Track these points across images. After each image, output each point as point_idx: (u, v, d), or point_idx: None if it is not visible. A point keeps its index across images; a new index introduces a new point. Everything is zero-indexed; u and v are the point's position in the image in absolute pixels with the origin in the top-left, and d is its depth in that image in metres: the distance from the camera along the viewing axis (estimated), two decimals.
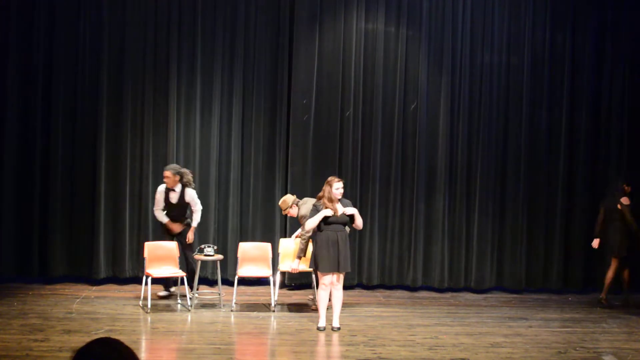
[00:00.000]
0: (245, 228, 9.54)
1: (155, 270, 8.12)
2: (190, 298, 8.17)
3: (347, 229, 7.39)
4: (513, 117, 9.87)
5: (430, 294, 9.58)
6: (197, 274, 8.35)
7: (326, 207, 7.19)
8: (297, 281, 9.33)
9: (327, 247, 7.17)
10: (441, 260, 9.74)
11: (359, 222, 7.32)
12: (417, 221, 9.69)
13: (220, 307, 8.16)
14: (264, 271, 8.39)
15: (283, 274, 8.76)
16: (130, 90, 9.42)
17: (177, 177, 8.42)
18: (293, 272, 8.09)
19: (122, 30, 9.42)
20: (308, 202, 8.05)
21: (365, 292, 9.55)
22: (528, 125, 9.87)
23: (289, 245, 8.54)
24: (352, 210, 7.24)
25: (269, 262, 8.48)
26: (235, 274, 8.43)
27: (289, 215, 8.47)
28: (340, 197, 7.26)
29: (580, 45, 9.97)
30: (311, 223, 7.23)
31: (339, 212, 7.22)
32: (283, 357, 6.72)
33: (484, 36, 9.84)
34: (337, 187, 7.24)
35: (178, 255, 8.37)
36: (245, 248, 8.59)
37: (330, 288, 7.24)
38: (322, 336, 7.05)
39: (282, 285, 9.07)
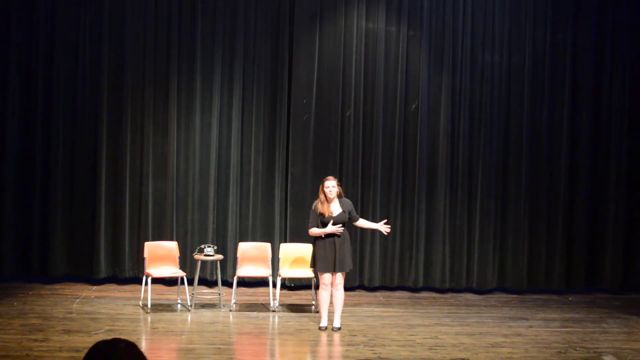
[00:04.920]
0: (245, 228, 9.53)
1: (155, 270, 8.12)
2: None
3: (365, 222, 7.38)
4: (514, 116, 9.87)
5: (431, 294, 9.57)
6: (197, 274, 8.37)
7: (321, 208, 7.20)
8: (297, 282, 9.33)
9: (324, 247, 7.18)
10: (442, 261, 9.72)
11: (371, 225, 7.51)
12: (418, 221, 9.68)
13: (220, 307, 8.16)
14: (263, 271, 8.38)
15: (284, 279, 8.73)
16: (130, 91, 9.42)
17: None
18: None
19: (122, 30, 9.42)
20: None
21: (365, 292, 9.55)
22: (529, 125, 9.86)
23: (289, 251, 8.53)
24: (338, 229, 7.13)
25: (269, 262, 8.48)
26: (234, 274, 8.43)
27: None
28: (332, 195, 7.24)
29: (581, 45, 9.96)
30: (314, 232, 7.26)
31: (335, 212, 7.22)
32: (283, 357, 6.72)
33: (485, 35, 9.84)
34: (327, 185, 7.22)
35: (178, 255, 8.38)
36: (245, 248, 8.59)
37: (332, 288, 7.25)
38: (322, 336, 7.05)
39: (283, 286, 9.06)
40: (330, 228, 7.12)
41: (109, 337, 2.16)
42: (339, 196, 7.33)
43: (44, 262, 9.35)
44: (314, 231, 7.23)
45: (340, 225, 7.18)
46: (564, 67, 9.90)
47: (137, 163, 9.45)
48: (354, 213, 7.42)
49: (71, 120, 9.42)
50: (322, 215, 7.20)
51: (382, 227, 7.48)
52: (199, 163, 9.49)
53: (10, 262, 9.33)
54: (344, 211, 7.24)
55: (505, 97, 9.88)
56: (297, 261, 8.44)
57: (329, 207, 7.22)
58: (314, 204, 7.32)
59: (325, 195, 7.21)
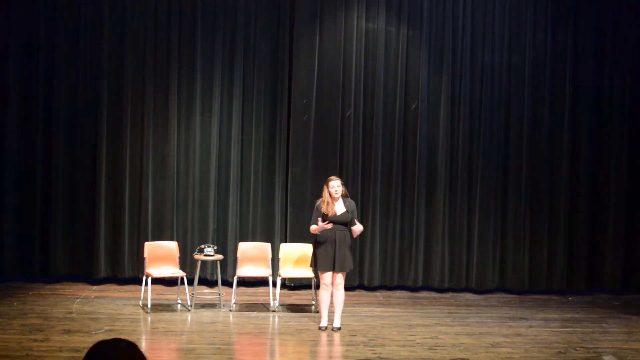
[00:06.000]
0: (245, 228, 9.53)
1: (155, 270, 8.12)
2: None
3: (357, 227, 7.26)
4: (514, 116, 9.86)
5: (431, 294, 9.57)
6: (197, 274, 8.37)
7: (324, 208, 7.20)
8: (297, 282, 9.34)
9: (325, 246, 7.19)
10: (442, 261, 9.73)
11: (356, 229, 7.25)
12: (418, 221, 9.68)
13: (220, 307, 8.16)
14: (263, 271, 8.38)
15: (284, 279, 8.73)
16: (130, 90, 9.43)
17: None
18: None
19: (122, 30, 9.42)
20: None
21: (365, 292, 9.55)
22: (529, 125, 9.85)
23: (289, 251, 8.54)
24: (358, 228, 7.19)
25: (269, 262, 8.48)
26: (234, 274, 8.43)
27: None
28: (338, 195, 7.24)
29: (581, 45, 9.95)
30: (312, 228, 7.26)
31: (339, 212, 7.22)
32: (283, 357, 6.72)
33: (485, 36, 9.84)
34: (332, 185, 7.22)
35: (178, 255, 8.38)
36: (245, 248, 8.59)
37: (332, 288, 7.25)
38: (322, 336, 7.05)
39: (283, 286, 9.06)
40: (324, 226, 7.10)
41: (109, 337, 2.16)
42: (344, 195, 7.34)
43: (44, 262, 9.35)
44: (312, 228, 7.27)
45: (329, 223, 7.14)
46: (564, 67, 9.89)
47: (137, 163, 9.45)
48: (355, 217, 7.34)
49: (71, 120, 9.42)
50: (325, 215, 7.20)
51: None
52: (199, 163, 9.49)
53: (10, 262, 9.33)
54: (347, 211, 7.24)
55: (505, 97, 9.87)
56: (297, 261, 8.44)
57: (333, 206, 7.22)
58: (317, 203, 7.32)
59: (331, 195, 7.22)
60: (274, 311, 8.08)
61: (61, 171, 9.37)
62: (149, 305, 7.90)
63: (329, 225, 7.12)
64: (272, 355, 6.82)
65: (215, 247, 8.42)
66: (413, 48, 9.74)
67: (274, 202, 9.57)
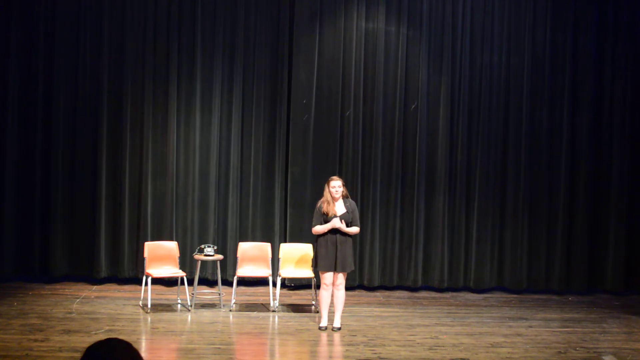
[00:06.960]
0: (245, 228, 9.54)
1: (155, 270, 8.13)
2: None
3: (356, 229, 7.32)
4: (513, 117, 9.86)
5: (430, 294, 9.57)
6: (197, 274, 8.37)
7: (325, 207, 7.20)
8: (297, 282, 9.34)
9: (326, 246, 7.19)
10: (441, 261, 9.73)
11: (352, 230, 7.26)
12: (417, 221, 9.68)
13: (220, 307, 8.16)
14: (263, 271, 8.39)
15: (284, 279, 8.73)
16: (130, 90, 9.43)
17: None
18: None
19: (122, 30, 9.42)
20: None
21: (365, 292, 9.55)
22: (529, 125, 9.85)
23: (289, 251, 8.54)
24: (342, 226, 7.14)
25: (269, 262, 8.48)
26: (234, 274, 8.43)
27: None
28: (338, 195, 7.25)
29: (581, 45, 9.95)
30: (317, 229, 7.25)
31: (339, 212, 7.22)
32: (283, 357, 6.72)
33: (484, 36, 9.83)
34: (333, 185, 7.24)
35: (178, 255, 8.38)
36: (245, 248, 8.59)
37: (332, 288, 7.25)
38: (322, 336, 7.05)
39: (283, 286, 9.06)
40: (333, 222, 7.11)
41: (107, 337, 2.17)
42: (345, 196, 7.35)
43: (44, 262, 9.35)
44: (317, 229, 7.25)
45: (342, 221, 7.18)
46: (564, 67, 9.88)
47: (137, 162, 9.45)
48: (356, 219, 7.35)
49: (71, 121, 9.42)
50: (325, 214, 7.20)
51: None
52: (199, 163, 9.50)
53: (10, 262, 9.33)
54: (347, 211, 7.25)
55: (505, 97, 9.87)
56: (297, 261, 8.45)
57: (333, 206, 7.23)
58: (319, 203, 7.33)
59: (331, 195, 7.22)
60: (274, 311, 8.08)
61: (61, 171, 9.37)
62: (149, 305, 7.90)
63: (343, 226, 7.13)
64: (272, 355, 6.82)
65: (215, 247, 8.42)
66: (413, 48, 9.74)
67: (273, 202, 9.57)
